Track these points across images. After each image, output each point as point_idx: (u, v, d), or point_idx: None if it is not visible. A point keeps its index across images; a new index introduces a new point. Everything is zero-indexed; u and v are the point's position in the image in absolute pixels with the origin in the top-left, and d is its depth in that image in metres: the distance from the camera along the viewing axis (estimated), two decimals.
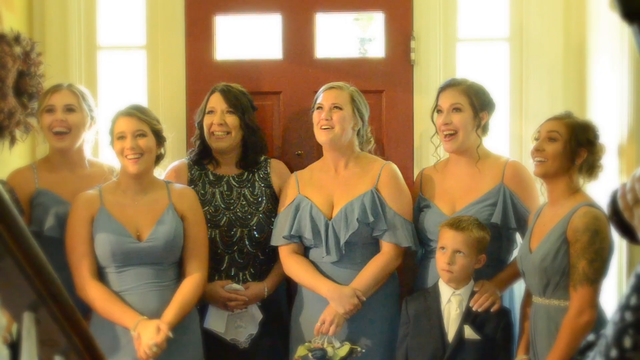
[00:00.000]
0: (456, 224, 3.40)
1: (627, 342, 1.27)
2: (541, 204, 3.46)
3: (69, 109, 3.71)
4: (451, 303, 3.42)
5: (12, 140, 3.91)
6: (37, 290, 1.41)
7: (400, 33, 4.28)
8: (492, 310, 3.39)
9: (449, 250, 3.38)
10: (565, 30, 4.16)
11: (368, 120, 3.81)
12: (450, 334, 3.39)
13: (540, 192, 3.55)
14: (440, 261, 3.42)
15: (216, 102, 3.81)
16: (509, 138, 4.27)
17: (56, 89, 3.75)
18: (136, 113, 3.52)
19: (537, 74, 4.21)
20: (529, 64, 4.22)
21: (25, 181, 3.73)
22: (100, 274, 3.51)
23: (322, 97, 3.73)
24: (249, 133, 3.83)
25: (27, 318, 1.46)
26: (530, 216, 3.49)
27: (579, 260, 3.10)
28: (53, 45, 4.35)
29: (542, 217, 3.35)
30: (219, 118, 3.78)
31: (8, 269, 1.34)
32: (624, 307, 1.29)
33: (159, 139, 3.58)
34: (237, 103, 3.80)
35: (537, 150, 3.30)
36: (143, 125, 3.51)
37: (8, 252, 1.32)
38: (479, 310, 3.38)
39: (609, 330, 1.31)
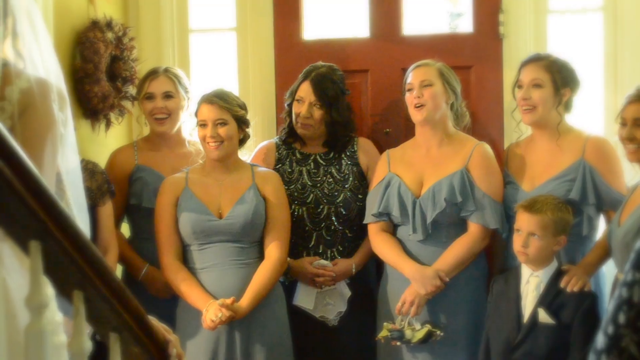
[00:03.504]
0: (530, 206, 3.33)
1: (621, 318, 1.26)
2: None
3: (167, 96, 3.84)
4: (529, 284, 3.36)
5: (107, 123, 4.08)
6: (81, 270, 1.46)
7: (489, 6, 4.21)
8: (585, 289, 3.30)
9: (523, 233, 3.32)
10: None
11: (461, 94, 3.77)
12: (526, 316, 3.32)
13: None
14: (516, 243, 3.36)
15: (305, 92, 3.82)
16: (603, 113, 4.13)
17: (153, 76, 3.88)
18: (217, 101, 3.56)
19: (632, 45, 4.05)
20: (623, 35, 4.07)
21: (126, 158, 3.91)
22: (185, 252, 3.60)
23: (411, 76, 3.70)
24: (336, 124, 3.84)
25: (76, 296, 1.53)
26: (625, 190, 3.41)
27: None
28: (147, 29, 4.47)
29: (636, 192, 3.27)
30: (306, 110, 3.80)
31: (52, 250, 1.40)
32: (622, 284, 1.28)
33: (241, 123, 3.62)
34: (326, 96, 3.80)
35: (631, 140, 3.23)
36: (224, 114, 3.55)
37: (49, 234, 1.38)
38: (574, 290, 3.29)
39: (609, 307, 1.30)
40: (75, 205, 2.00)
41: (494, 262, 3.82)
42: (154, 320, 2.03)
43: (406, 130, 3.98)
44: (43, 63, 1.90)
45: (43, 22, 1.97)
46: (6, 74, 1.79)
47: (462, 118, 3.80)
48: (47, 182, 1.54)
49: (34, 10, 1.94)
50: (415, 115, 3.68)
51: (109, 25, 4.02)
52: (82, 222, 2.01)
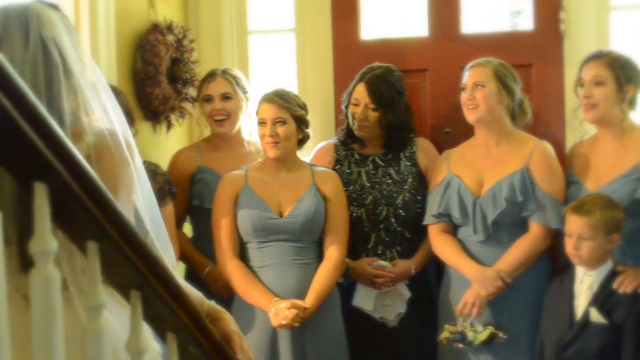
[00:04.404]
0: (578, 208, 3.28)
1: None
2: None
3: (226, 97, 3.87)
4: (583, 284, 3.31)
5: (168, 125, 4.13)
6: (138, 270, 1.48)
7: (550, 3, 4.16)
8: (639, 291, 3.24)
9: (574, 236, 3.27)
10: None
11: (521, 91, 3.72)
12: (579, 315, 3.28)
13: None
14: (567, 246, 3.31)
15: (361, 94, 3.80)
16: None
17: (212, 78, 3.91)
18: (277, 100, 3.56)
19: None
20: None
21: (188, 159, 3.95)
22: (242, 250, 3.61)
23: (465, 76, 3.68)
24: (392, 126, 3.82)
25: (134, 296, 1.55)
26: None
27: None
28: (206, 32, 4.52)
29: None
30: (361, 112, 3.78)
31: (108, 250, 1.42)
32: None
33: (301, 123, 3.61)
34: (382, 99, 3.77)
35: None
36: (283, 113, 3.55)
37: (106, 234, 1.40)
38: (627, 291, 3.24)
39: None
40: (155, 235, 2.09)
41: (557, 262, 3.77)
42: (231, 323, 2.13)
43: (466, 130, 3.94)
44: (107, 116, 1.98)
45: (104, 78, 2.06)
46: (76, 131, 1.88)
47: (523, 116, 3.74)
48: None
49: (97, 72, 2.03)
50: (468, 116, 3.67)
51: (169, 28, 4.07)
52: (165, 250, 2.11)
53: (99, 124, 1.94)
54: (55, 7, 2.00)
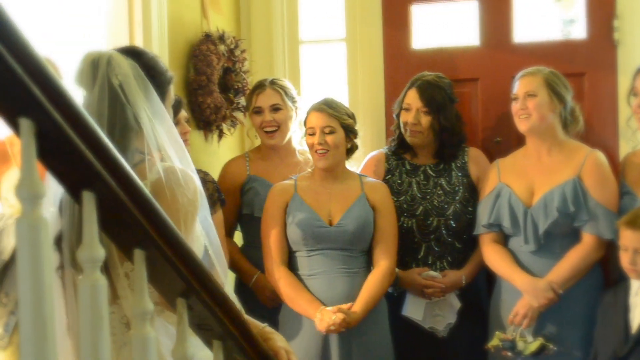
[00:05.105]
0: (632, 222, 3.23)
1: None
2: None
3: (275, 109, 3.87)
4: (638, 296, 3.26)
5: (220, 134, 4.17)
6: (184, 278, 1.51)
7: (603, 12, 4.12)
8: None
9: (629, 250, 3.22)
10: None
11: (572, 99, 3.68)
12: (634, 328, 3.23)
13: None
14: (623, 261, 3.26)
15: (412, 99, 3.80)
16: None
17: (260, 89, 3.90)
18: (326, 109, 3.57)
19: None
20: None
21: (238, 169, 3.97)
22: (291, 259, 3.62)
23: (516, 86, 3.66)
24: (445, 131, 3.81)
25: (180, 304, 1.57)
26: None
27: None
28: (258, 42, 4.56)
29: None
30: (413, 117, 3.77)
31: (154, 258, 1.45)
32: None
33: (349, 132, 3.62)
34: (433, 102, 3.76)
35: None
36: (332, 121, 3.56)
37: (152, 242, 1.42)
38: None
39: None
40: (210, 242, 2.27)
41: (609, 273, 3.71)
42: (280, 341, 2.19)
43: (517, 139, 3.91)
44: (170, 155, 2.16)
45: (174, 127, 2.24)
46: (140, 169, 2.07)
47: (575, 124, 3.71)
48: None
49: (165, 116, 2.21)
50: (520, 126, 3.64)
51: (222, 38, 4.11)
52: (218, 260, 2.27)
53: (163, 162, 2.11)
54: (133, 53, 2.24)
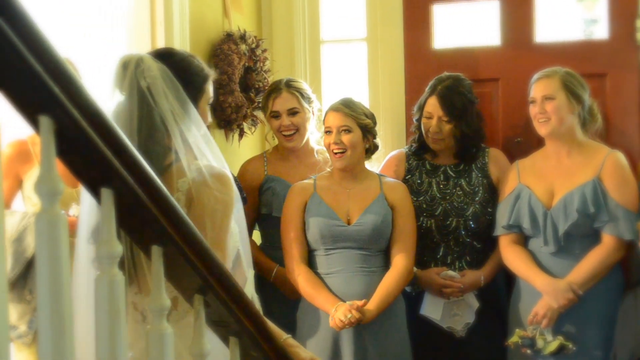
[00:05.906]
0: None
1: None
2: None
3: (292, 112, 3.85)
4: None
5: (241, 133, 4.19)
6: (201, 275, 1.52)
7: (626, 12, 4.10)
8: None
9: None
10: None
11: (590, 97, 3.66)
12: None
13: None
14: None
15: (433, 107, 3.78)
16: None
17: (276, 94, 3.86)
18: (343, 108, 3.58)
19: None
20: None
21: (256, 169, 3.98)
22: (310, 257, 3.63)
23: (533, 89, 3.64)
24: (465, 136, 3.80)
25: (197, 300, 1.59)
26: None
27: None
28: (279, 41, 4.57)
29: None
30: (435, 126, 3.76)
31: (172, 255, 1.47)
32: None
33: (367, 132, 3.62)
34: (454, 110, 3.75)
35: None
36: (348, 121, 3.56)
37: (170, 239, 1.44)
38: None
39: None
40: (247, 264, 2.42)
41: (630, 274, 3.70)
42: (303, 352, 2.29)
43: (538, 140, 3.90)
44: (204, 154, 2.28)
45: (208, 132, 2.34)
46: (178, 168, 2.17)
47: (593, 122, 3.69)
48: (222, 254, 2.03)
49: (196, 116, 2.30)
50: (540, 129, 3.63)
51: (243, 37, 4.13)
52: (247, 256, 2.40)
53: (198, 162, 2.21)
54: (164, 55, 2.35)
